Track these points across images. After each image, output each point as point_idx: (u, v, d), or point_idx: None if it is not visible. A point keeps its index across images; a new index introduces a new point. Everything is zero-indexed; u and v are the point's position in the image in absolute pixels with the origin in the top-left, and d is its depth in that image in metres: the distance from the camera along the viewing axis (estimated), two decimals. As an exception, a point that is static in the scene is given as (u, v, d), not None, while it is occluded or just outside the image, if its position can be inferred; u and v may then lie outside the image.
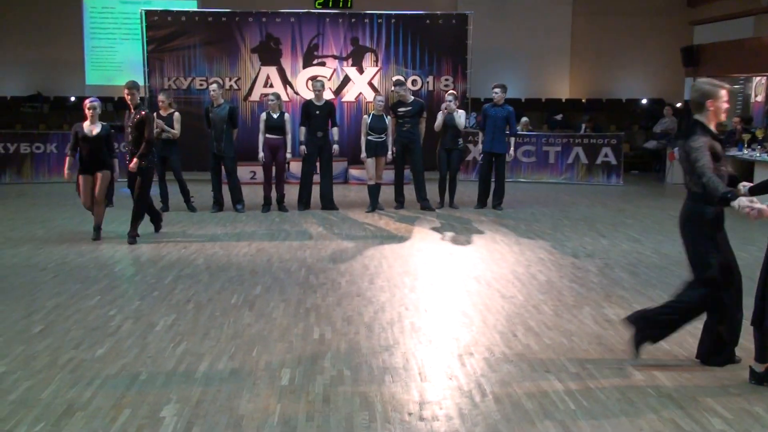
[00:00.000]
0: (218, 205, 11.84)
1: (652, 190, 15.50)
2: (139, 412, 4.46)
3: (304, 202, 12.05)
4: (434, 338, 5.88)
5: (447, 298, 7.08)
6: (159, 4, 16.89)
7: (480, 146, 12.50)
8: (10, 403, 4.58)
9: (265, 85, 15.95)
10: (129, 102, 9.43)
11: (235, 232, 10.22)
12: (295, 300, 6.92)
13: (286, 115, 11.71)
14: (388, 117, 12.02)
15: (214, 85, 11.60)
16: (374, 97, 12.58)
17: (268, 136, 11.59)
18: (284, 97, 15.71)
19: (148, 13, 15.90)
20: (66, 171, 9.65)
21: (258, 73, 16.11)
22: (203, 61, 15.96)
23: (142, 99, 11.25)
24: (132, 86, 9.43)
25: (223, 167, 11.72)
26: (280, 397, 4.69)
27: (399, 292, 7.25)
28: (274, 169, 11.78)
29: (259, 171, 12.70)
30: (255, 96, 15.98)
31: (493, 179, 12.22)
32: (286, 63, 16.14)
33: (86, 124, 9.37)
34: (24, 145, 15.25)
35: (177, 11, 16.23)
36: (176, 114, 11.49)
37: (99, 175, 9.36)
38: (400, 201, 12.32)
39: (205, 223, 10.93)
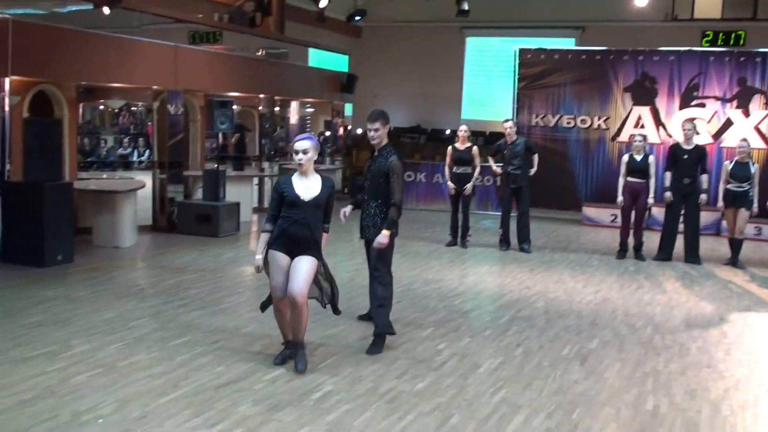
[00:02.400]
0: (506, 243, 11.56)
1: None
2: (441, 459, 4.27)
3: (664, 253, 11.12)
4: (796, 435, 4.88)
5: (822, 386, 5.90)
6: (537, 43, 16.99)
7: None
8: (326, 424, 4.69)
9: (635, 126, 15.15)
10: (373, 140, 6.39)
11: (584, 277, 9.72)
12: (633, 361, 6.27)
13: (651, 158, 10.91)
14: (756, 165, 10.71)
15: (510, 123, 11.52)
16: (738, 142, 11.22)
17: (629, 179, 10.90)
18: (656, 140, 14.84)
19: (522, 51, 16.10)
20: (258, 259, 5.67)
21: (629, 113, 15.38)
22: (573, 99, 15.67)
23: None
24: (376, 117, 6.33)
25: (516, 204, 11.54)
26: (593, 473, 4.19)
27: (760, 369, 6.22)
28: (633, 214, 11.06)
29: (620, 215, 11.98)
30: (623, 137, 15.25)
31: None
32: (660, 103, 15.18)
33: (296, 179, 5.63)
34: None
35: (550, 49, 16.20)
36: (474, 148, 11.38)
37: (302, 260, 5.54)
38: (779, 262, 10.80)
39: (554, 263, 10.59)
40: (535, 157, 11.51)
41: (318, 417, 4.78)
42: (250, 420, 4.67)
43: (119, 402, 4.91)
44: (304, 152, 5.57)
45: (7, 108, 9.51)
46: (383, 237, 6.16)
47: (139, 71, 11.63)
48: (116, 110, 23.03)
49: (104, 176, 16.51)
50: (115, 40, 11.43)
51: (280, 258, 5.56)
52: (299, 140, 5.65)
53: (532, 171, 11.47)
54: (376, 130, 6.30)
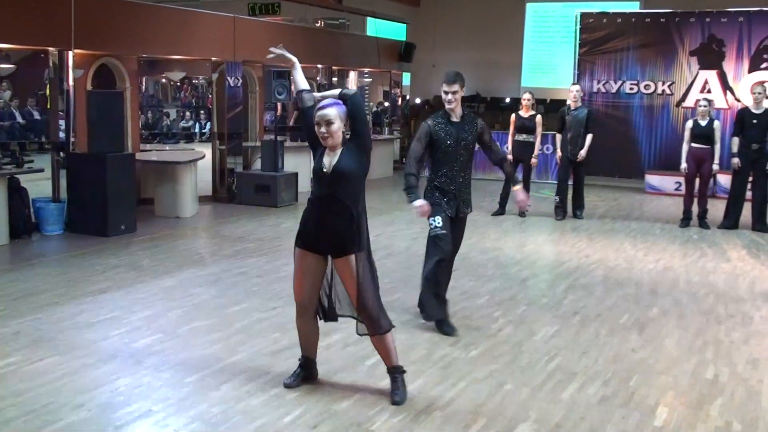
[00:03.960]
0: (562, 211, 11.31)
1: None
2: (494, 425, 4.27)
3: (730, 220, 10.81)
4: None
5: None
6: (600, 7, 16.58)
7: None
8: (379, 389, 4.71)
9: (701, 90, 14.71)
10: (450, 104, 5.73)
11: (645, 246, 9.53)
12: (693, 329, 6.14)
13: (716, 123, 10.57)
14: None
15: (578, 87, 11.37)
16: None
17: (693, 145, 10.60)
18: (723, 104, 14.41)
19: (584, 16, 15.73)
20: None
21: (695, 78, 14.93)
22: (636, 64, 15.28)
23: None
24: (454, 79, 5.66)
25: (572, 172, 11.27)
26: (648, 440, 4.14)
27: (828, 339, 6.03)
28: (697, 181, 10.77)
29: (683, 182, 11.67)
30: (689, 102, 14.82)
31: None
32: (728, 67, 14.70)
33: (328, 153, 4.43)
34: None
35: (613, 13, 15.79)
36: (538, 117, 11.22)
37: (342, 264, 4.44)
38: None
39: (615, 232, 10.41)
40: (589, 137, 10.93)
41: (371, 383, 4.82)
42: (306, 385, 4.73)
43: (179, 366, 5.03)
44: (328, 123, 4.28)
45: (71, 81, 9.73)
46: (523, 193, 6.05)
47: (198, 43, 11.76)
48: (177, 83, 23.43)
49: (167, 148, 16.81)
50: (174, 12, 11.57)
51: (303, 256, 4.49)
52: (321, 109, 4.29)
53: (582, 152, 10.91)
54: (455, 93, 5.62)
